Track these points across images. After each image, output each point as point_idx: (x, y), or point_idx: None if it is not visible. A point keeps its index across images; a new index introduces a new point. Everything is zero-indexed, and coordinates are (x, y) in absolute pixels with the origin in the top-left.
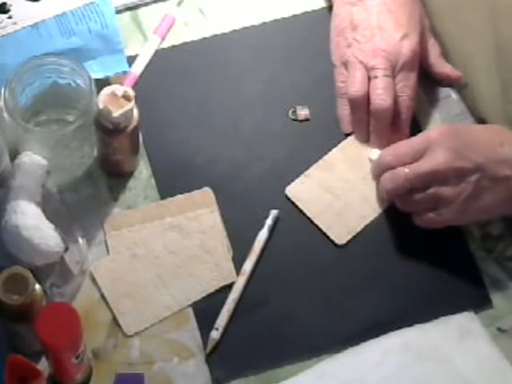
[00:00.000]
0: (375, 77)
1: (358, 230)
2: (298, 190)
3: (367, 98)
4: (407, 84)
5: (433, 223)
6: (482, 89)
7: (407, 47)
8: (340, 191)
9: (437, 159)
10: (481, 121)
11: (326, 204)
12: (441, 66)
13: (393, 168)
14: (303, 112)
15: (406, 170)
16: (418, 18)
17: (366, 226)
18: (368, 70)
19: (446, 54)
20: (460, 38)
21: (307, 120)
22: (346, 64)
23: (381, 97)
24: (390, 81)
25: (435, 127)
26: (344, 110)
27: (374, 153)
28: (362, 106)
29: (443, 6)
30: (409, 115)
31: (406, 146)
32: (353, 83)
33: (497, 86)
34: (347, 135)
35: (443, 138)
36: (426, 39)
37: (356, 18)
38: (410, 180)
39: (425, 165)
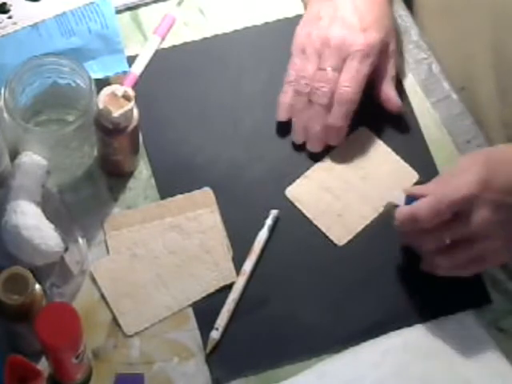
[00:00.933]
0: (323, 68)
1: (358, 230)
2: (298, 192)
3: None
4: (354, 76)
5: (478, 271)
6: (480, 91)
7: (364, 39)
8: (339, 191)
9: (478, 219)
10: (479, 123)
11: (326, 205)
12: (387, 88)
13: (429, 223)
14: None
15: (448, 235)
16: (385, 25)
17: (366, 226)
18: (319, 59)
19: (443, 57)
20: (458, 41)
21: None
22: (303, 52)
23: (322, 89)
24: (334, 74)
25: (469, 170)
26: (285, 98)
27: (397, 198)
28: (305, 96)
29: (441, 8)
30: (349, 109)
31: (443, 204)
32: (301, 73)
33: (494, 88)
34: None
35: (481, 192)
36: (387, 55)
37: (323, 13)
38: (451, 238)
39: (467, 226)
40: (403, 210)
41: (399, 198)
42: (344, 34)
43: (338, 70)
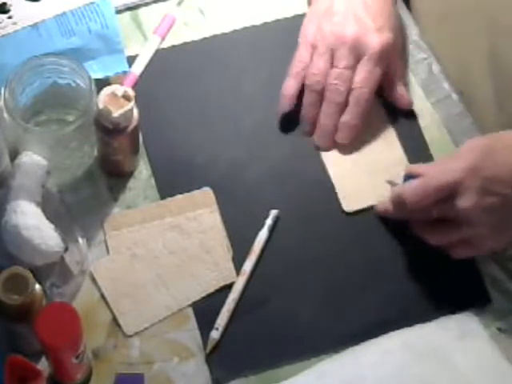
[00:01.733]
0: (337, 66)
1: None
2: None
3: (324, 86)
4: (369, 77)
5: (468, 255)
6: (477, 96)
7: (379, 40)
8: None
9: (466, 204)
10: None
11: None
12: (397, 85)
13: (418, 207)
14: None
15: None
16: (394, 25)
17: (367, 226)
18: (334, 57)
19: (441, 61)
20: (455, 46)
21: None
22: (313, 47)
23: (338, 87)
24: (349, 73)
25: (459, 156)
26: (289, 91)
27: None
28: (317, 92)
29: (438, 14)
30: (364, 109)
31: (431, 186)
32: (313, 70)
33: (491, 94)
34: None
35: (469, 178)
36: (396, 51)
37: (335, 9)
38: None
39: (455, 208)
40: (395, 190)
41: (398, 176)
42: (359, 33)
43: (353, 68)
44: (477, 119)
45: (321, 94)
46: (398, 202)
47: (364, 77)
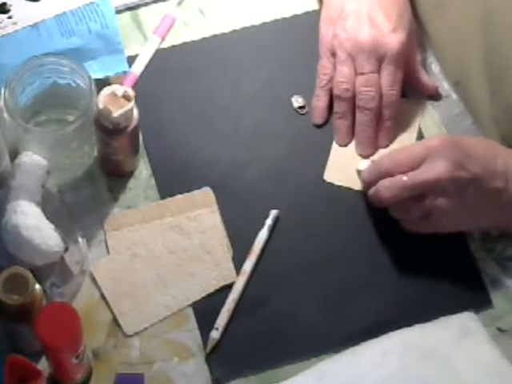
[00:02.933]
0: (362, 73)
1: None
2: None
3: (353, 93)
4: (395, 79)
5: (421, 230)
6: (472, 88)
7: (396, 41)
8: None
9: (437, 169)
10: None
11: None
12: (419, 74)
13: (390, 175)
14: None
15: (405, 178)
16: (407, 18)
17: (368, 226)
18: (355, 63)
19: (436, 54)
20: (451, 35)
21: (303, 107)
22: (333, 55)
23: (370, 93)
24: (376, 77)
25: (435, 136)
26: (320, 102)
27: (362, 164)
28: (347, 100)
29: (434, 4)
30: (395, 110)
31: (405, 153)
32: (340, 79)
33: (485, 83)
34: (318, 126)
35: (443, 148)
36: (412, 43)
37: (346, 9)
38: (408, 188)
39: (425, 174)
40: (366, 168)
41: (364, 165)
42: (374, 36)
43: (377, 71)
44: (471, 109)
45: (351, 103)
46: (373, 167)
47: (390, 80)
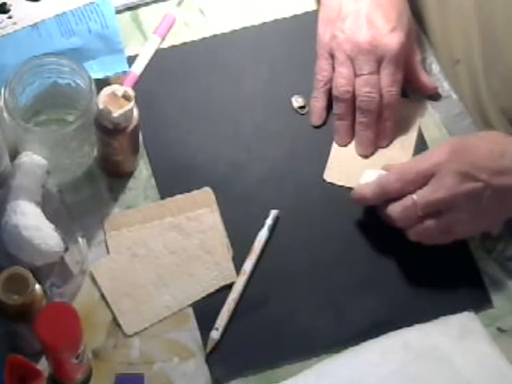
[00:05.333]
0: (361, 74)
1: None
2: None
3: (353, 94)
4: (395, 79)
5: (442, 242)
6: (472, 65)
7: (395, 41)
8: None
9: (447, 185)
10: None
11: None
12: (419, 74)
13: (396, 193)
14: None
15: (415, 197)
16: (406, 17)
17: (368, 227)
18: (354, 64)
19: (435, 35)
20: (444, 17)
21: (303, 107)
22: (331, 56)
23: (370, 95)
24: (375, 78)
25: (439, 147)
26: (318, 103)
27: (366, 177)
28: (347, 102)
29: None
30: (395, 110)
31: (411, 170)
32: (339, 80)
33: (484, 61)
34: (318, 127)
35: (449, 162)
36: (411, 42)
37: (344, 10)
38: (421, 209)
39: (436, 193)
40: (371, 184)
41: (368, 177)
42: (373, 37)
43: (377, 72)
44: (472, 86)
45: (350, 104)
46: (379, 186)
47: (390, 80)
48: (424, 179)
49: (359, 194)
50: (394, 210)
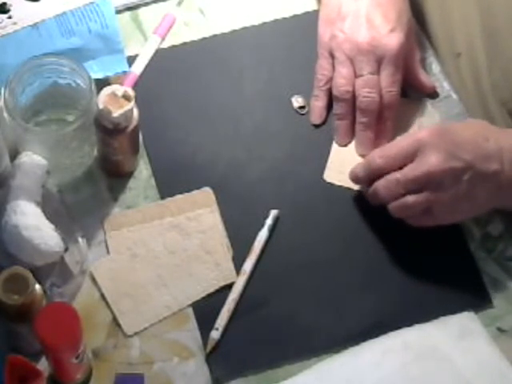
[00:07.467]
0: (361, 75)
1: None
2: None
3: (353, 94)
4: (395, 79)
5: (425, 223)
6: (473, 58)
7: (395, 41)
8: None
9: (429, 162)
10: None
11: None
12: (418, 73)
13: (383, 171)
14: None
15: (398, 175)
16: (406, 17)
17: (368, 227)
18: (354, 64)
19: (436, 28)
20: (445, 10)
21: (303, 107)
22: (331, 56)
23: (370, 95)
24: (376, 78)
25: (424, 128)
26: (318, 102)
27: None
28: (347, 101)
29: None
30: (395, 110)
31: (395, 148)
32: (339, 80)
33: (485, 54)
34: (318, 126)
35: (433, 139)
36: (411, 42)
37: (344, 10)
38: (403, 185)
39: (418, 168)
40: (361, 163)
41: None
42: (373, 37)
43: (377, 72)
44: (473, 79)
45: (350, 104)
46: (366, 163)
47: (390, 80)
48: (407, 156)
49: (353, 174)
50: (379, 185)
